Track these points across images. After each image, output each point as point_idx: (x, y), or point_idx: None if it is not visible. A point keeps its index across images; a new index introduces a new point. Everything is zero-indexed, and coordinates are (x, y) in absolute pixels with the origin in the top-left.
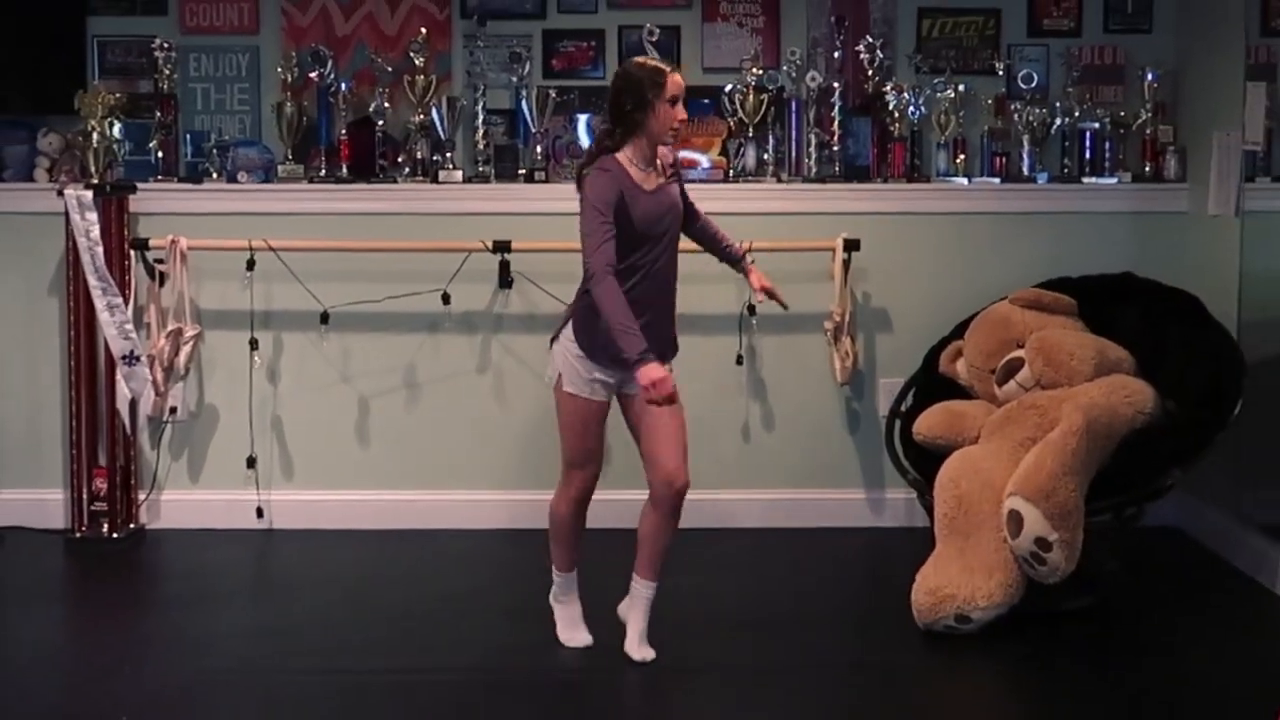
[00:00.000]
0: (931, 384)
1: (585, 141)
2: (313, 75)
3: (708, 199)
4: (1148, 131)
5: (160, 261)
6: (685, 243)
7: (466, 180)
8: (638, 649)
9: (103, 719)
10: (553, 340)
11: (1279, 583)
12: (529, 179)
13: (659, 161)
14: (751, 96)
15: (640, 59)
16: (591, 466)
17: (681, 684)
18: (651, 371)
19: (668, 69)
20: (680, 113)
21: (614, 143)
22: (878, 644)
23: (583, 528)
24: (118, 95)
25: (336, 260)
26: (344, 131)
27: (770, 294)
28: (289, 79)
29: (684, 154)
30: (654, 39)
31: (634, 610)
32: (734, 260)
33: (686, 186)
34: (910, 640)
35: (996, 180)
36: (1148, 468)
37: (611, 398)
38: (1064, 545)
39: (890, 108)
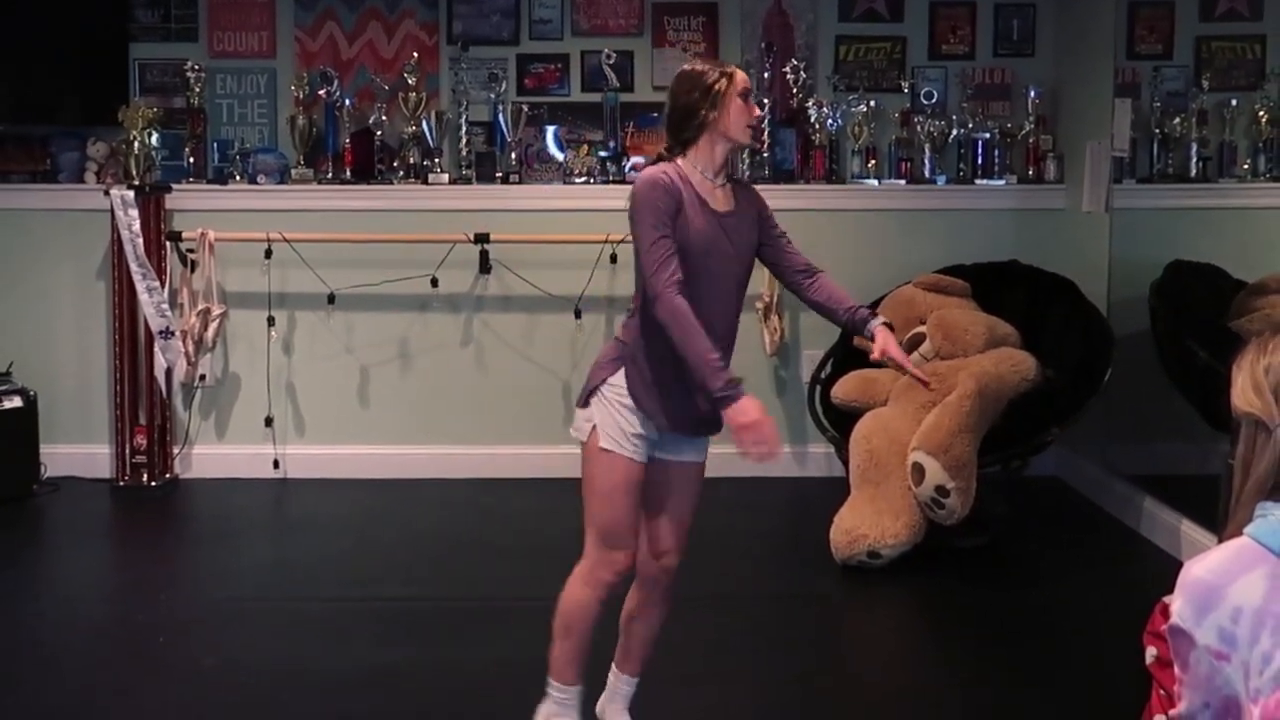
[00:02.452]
0: (847, 355)
1: (553, 149)
2: (321, 92)
3: None
4: (1031, 140)
5: (191, 251)
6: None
7: (452, 182)
8: None
9: (142, 638)
10: (588, 396)
11: (1141, 523)
12: (505, 181)
13: (730, 185)
14: None
15: (691, 63)
16: (630, 546)
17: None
18: (747, 410)
19: (729, 67)
20: (756, 108)
21: (672, 154)
22: (802, 576)
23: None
24: (155, 109)
25: (341, 249)
26: (348, 140)
27: (897, 366)
28: (301, 95)
29: (637, 159)
30: (611, 61)
31: (614, 710)
32: (858, 324)
33: (786, 234)
34: (829, 573)
35: (902, 182)
36: (1031, 426)
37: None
38: (960, 492)
39: (812, 120)
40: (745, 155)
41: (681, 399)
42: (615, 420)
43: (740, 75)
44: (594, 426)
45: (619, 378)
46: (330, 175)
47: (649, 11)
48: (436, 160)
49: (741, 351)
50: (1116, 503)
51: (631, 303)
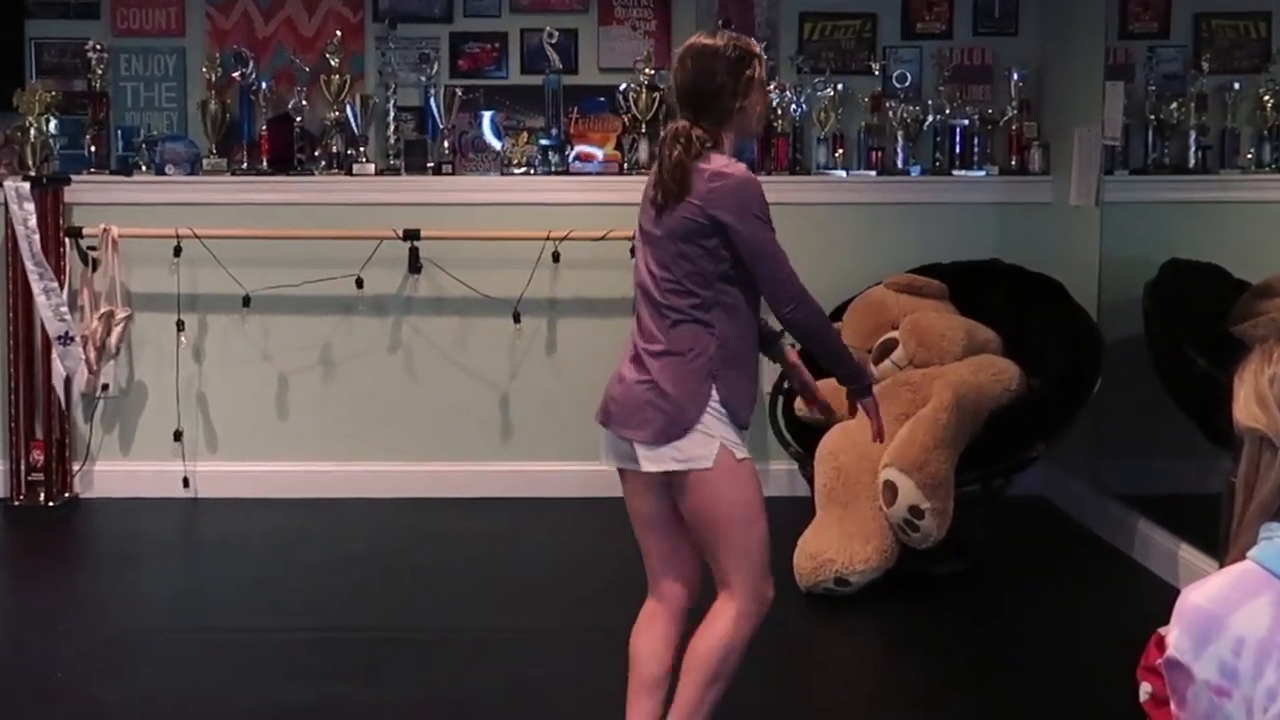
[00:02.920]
0: (812, 363)
1: (490, 137)
2: (235, 75)
3: (606, 190)
4: (1014, 128)
5: (93, 248)
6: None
7: (378, 173)
8: None
9: (38, 673)
10: (670, 434)
11: (1134, 546)
12: (437, 171)
13: None
14: (644, 95)
15: (710, 34)
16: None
17: (569, 642)
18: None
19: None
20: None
21: (709, 136)
22: None
23: None
24: (54, 93)
25: (257, 247)
26: (264, 127)
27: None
28: (213, 78)
29: (581, 148)
30: (553, 41)
31: None
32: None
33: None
34: (793, 601)
35: (873, 173)
36: (1014, 441)
37: None
38: (936, 513)
39: (774, 105)
40: None
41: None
42: (726, 431)
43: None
44: (720, 443)
45: (712, 401)
46: (245, 165)
47: None
48: (362, 149)
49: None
50: (1107, 524)
51: (679, 312)
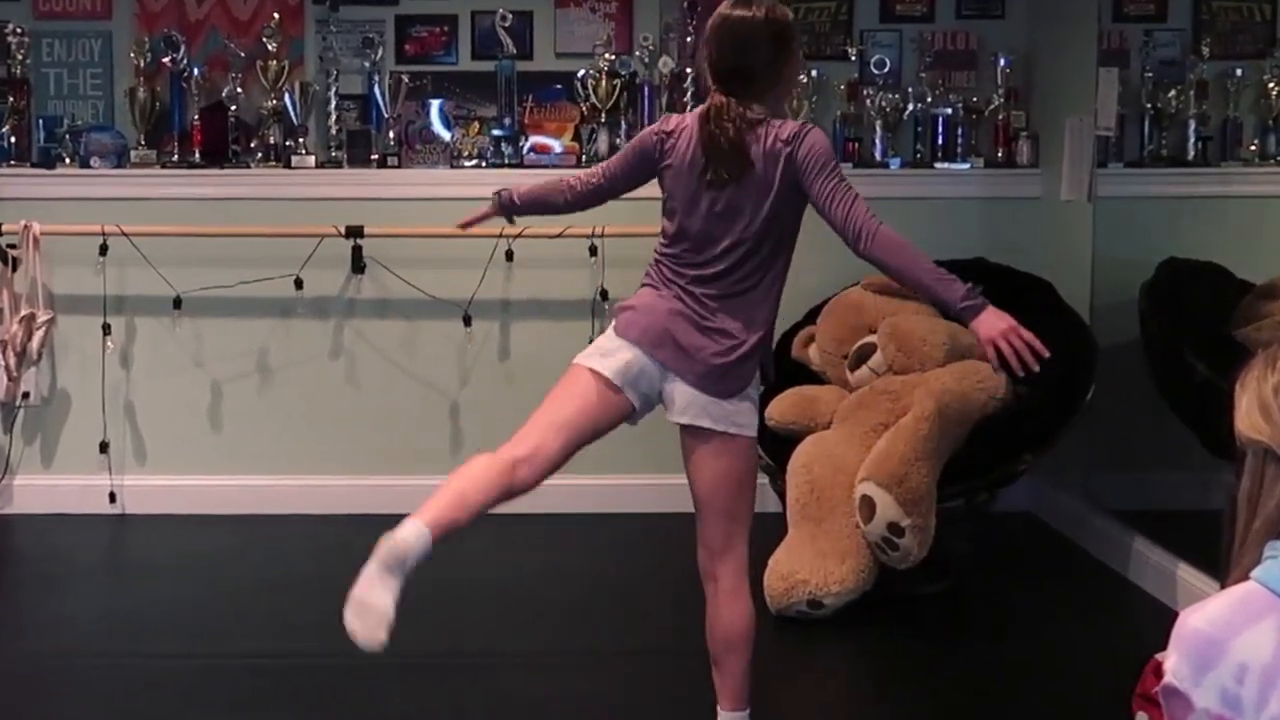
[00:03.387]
0: (783, 369)
1: (439, 127)
2: (165, 60)
3: None
4: (1000, 117)
5: (13, 247)
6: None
7: (319, 165)
8: None
9: None
10: (742, 386)
11: (1129, 566)
12: (382, 164)
13: None
14: (604, 82)
15: (745, 3)
16: None
17: (531, 667)
18: (999, 313)
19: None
20: None
21: (750, 108)
22: None
23: None
24: None
25: (189, 245)
26: (197, 117)
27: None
28: (141, 64)
29: (537, 139)
30: (506, 24)
31: None
32: None
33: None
34: (763, 625)
35: (849, 165)
36: (1000, 453)
37: None
38: (916, 530)
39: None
40: None
41: None
42: (755, 410)
43: None
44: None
45: (756, 376)
46: (176, 158)
47: None
48: (301, 140)
49: None
50: (1100, 542)
51: (730, 285)
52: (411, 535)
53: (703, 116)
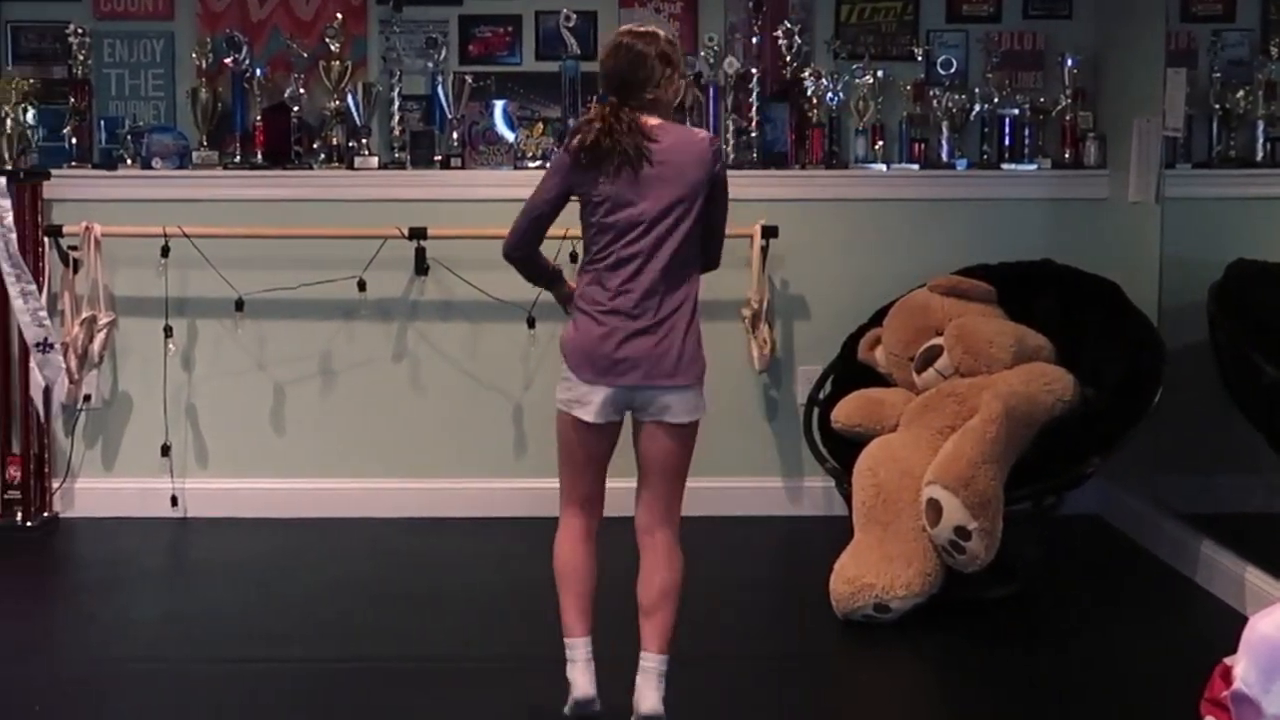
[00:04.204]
0: (850, 371)
1: (502, 128)
2: (227, 61)
3: None
4: (1067, 118)
5: (74, 248)
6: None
7: (382, 166)
8: None
9: (14, 707)
10: (700, 375)
11: (1197, 570)
12: (445, 165)
13: None
14: None
15: (642, 25)
16: None
17: (598, 674)
18: None
19: None
20: None
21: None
22: (796, 633)
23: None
24: (31, 81)
25: (252, 247)
26: (259, 117)
27: None
28: (204, 64)
29: None
30: (570, 24)
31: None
32: None
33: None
34: (829, 629)
35: (915, 167)
36: (1067, 455)
37: None
38: (983, 534)
39: (808, 94)
40: (729, 136)
41: None
42: None
43: None
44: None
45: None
46: (238, 159)
47: None
48: (364, 141)
49: (725, 367)
50: (1168, 546)
51: (672, 285)
52: (582, 679)
53: (595, 120)
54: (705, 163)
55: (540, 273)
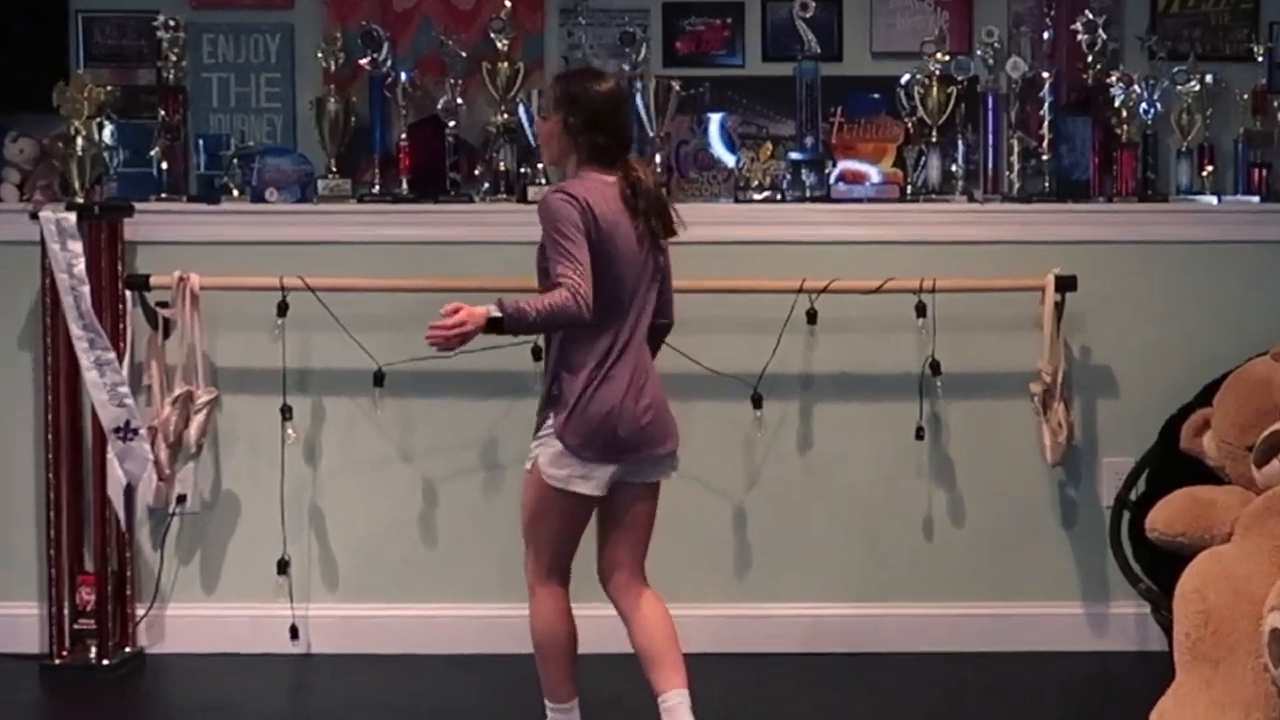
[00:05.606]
0: (1170, 464)
1: (719, 149)
2: (363, 62)
3: (882, 222)
4: None
5: (165, 305)
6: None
7: None
8: None
9: None
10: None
11: None
12: None
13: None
14: (935, 90)
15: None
16: None
17: None
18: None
19: None
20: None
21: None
22: None
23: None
24: (109, 88)
25: (395, 303)
26: (404, 135)
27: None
28: (332, 67)
29: (849, 165)
30: (808, 14)
31: None
32: None
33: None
34: None
35: (1255, 199)
36: None
37: None
38: None
39: (1116, 105)
40: (1013, 160)
41: None
42: None
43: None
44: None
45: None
46: (377, 189)
47: None
48: (540, 166)
49: (1008, 459)
50: None
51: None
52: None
53: (634, 169)
54: None
55: None
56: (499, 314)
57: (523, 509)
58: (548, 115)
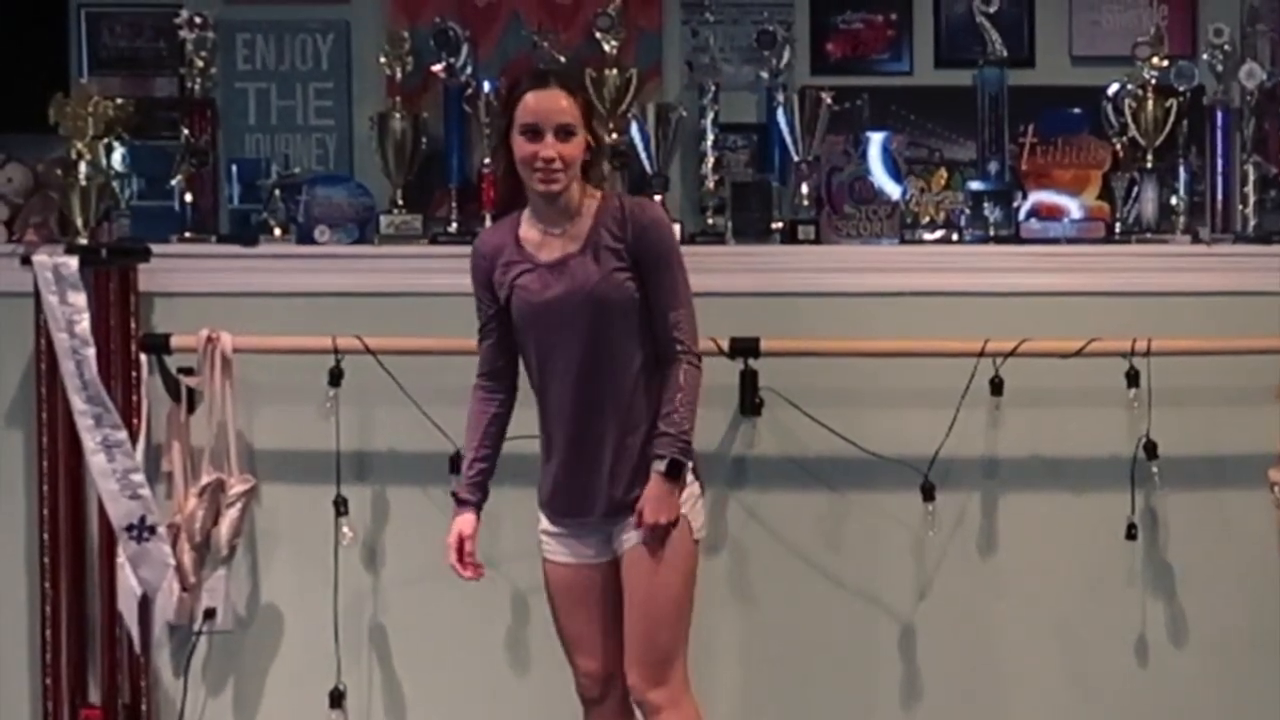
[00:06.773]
0: None
1: (882, 176)
2: (436, 69)
3: (1080, 270)
4: None
5: (189, 372)
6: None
7: (687, 239)
8: None
9: None
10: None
11: None
12: (789, 237)
13: (582, 218)
14: (1151, 103)
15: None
16: None
17: None
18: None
19: (530, 83)
20: (537, 147)
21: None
22: None
23: None
24: (119, 101)
25: (472, 369)
26: (487, 160)
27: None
28: (398, 75)
29: (1043, 197)
30: (992, 10)
31: None
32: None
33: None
34: None
35: None
36: None
37: None
38: None
39: None
40: (1249, 190)
41: None
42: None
43: (527, 102)
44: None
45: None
46: (454, 227)
47: None
48: (659, 198)
49: (1245, 563)
50: None
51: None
52: None
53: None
54: None
55: None
56: (674, 466)
57: (657, 591)
58: (576, 131)
